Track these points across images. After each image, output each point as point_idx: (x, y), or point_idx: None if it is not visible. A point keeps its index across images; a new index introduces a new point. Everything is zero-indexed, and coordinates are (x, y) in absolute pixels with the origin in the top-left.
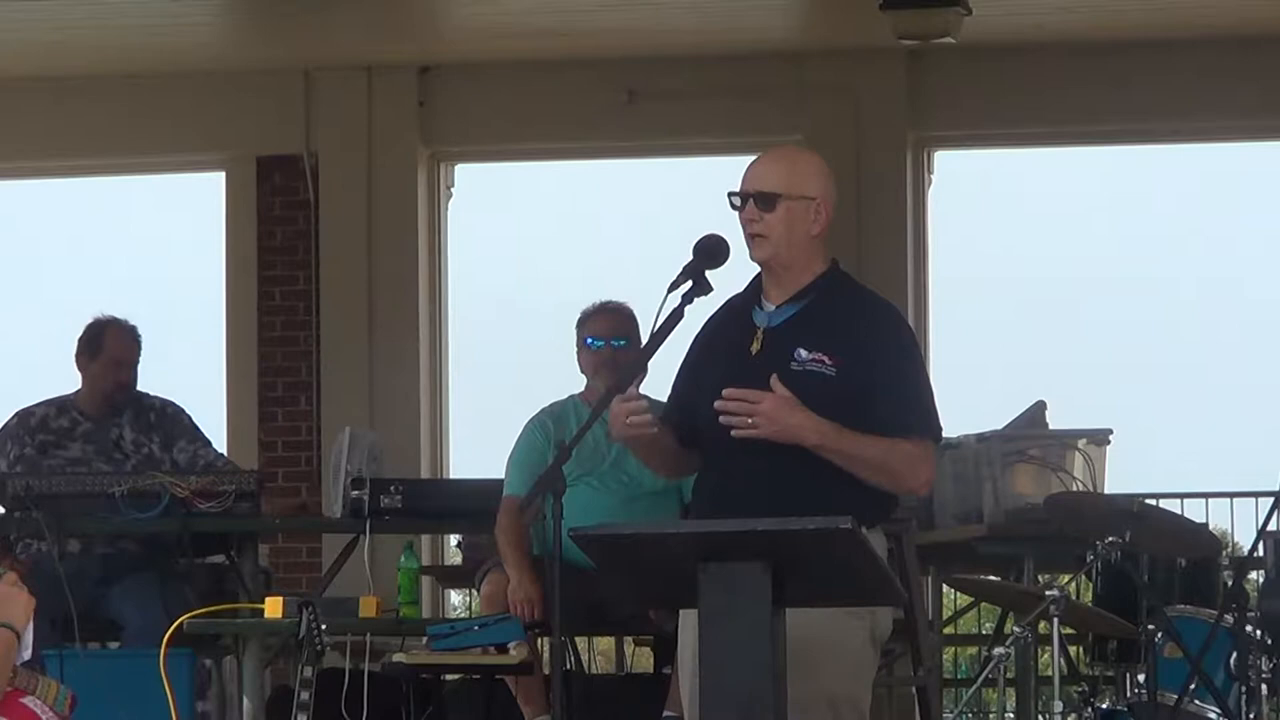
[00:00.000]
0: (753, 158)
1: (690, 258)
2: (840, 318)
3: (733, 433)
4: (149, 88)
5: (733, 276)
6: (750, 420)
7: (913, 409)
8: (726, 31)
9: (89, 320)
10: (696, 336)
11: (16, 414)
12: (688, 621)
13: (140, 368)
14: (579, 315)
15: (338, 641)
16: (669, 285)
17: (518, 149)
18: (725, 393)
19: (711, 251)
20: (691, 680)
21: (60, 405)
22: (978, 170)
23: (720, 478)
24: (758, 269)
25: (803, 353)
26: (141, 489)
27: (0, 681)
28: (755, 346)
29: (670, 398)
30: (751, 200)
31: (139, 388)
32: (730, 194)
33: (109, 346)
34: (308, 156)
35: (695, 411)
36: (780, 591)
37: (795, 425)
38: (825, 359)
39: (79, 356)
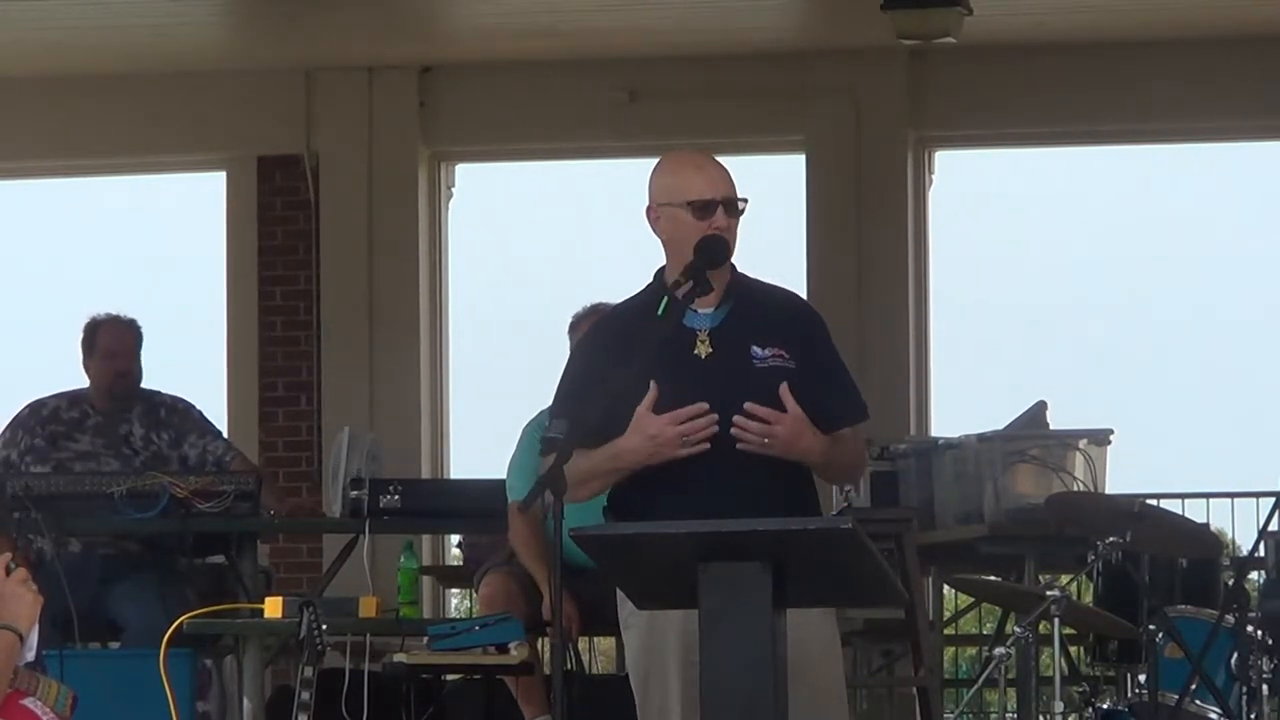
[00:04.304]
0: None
1: (691, 257)
2: (773, 314)
3: (738, 446)
4: (149, 88)
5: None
6: (765, 441)
7: (853, 397)
8: (726, 31)
9: (85, 321)
10: (589, 355)
11: (29, 405)
12: (657, 626)
13: (143, 364)
14: (570, 318)
15: (338, 641)
16: (670, 285)
17: (518, 149)
18: (747, 407)
19: (713, 251)
20: (665, 686)
21: (73, 398)
22: (978, 170)
23: (687, 482)
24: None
25: (758, 350)
26: (141, 489)
27: (1, 684)
28: (703, 349)
29: (585, 419)
30: (721, 208)
31: (150, 386)
32: (696, 202)
33: (101, 341)
34: (308, 156)
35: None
36: (780, 591)
37: (805, 448)
38: (783, 354)
39: (82, 358)
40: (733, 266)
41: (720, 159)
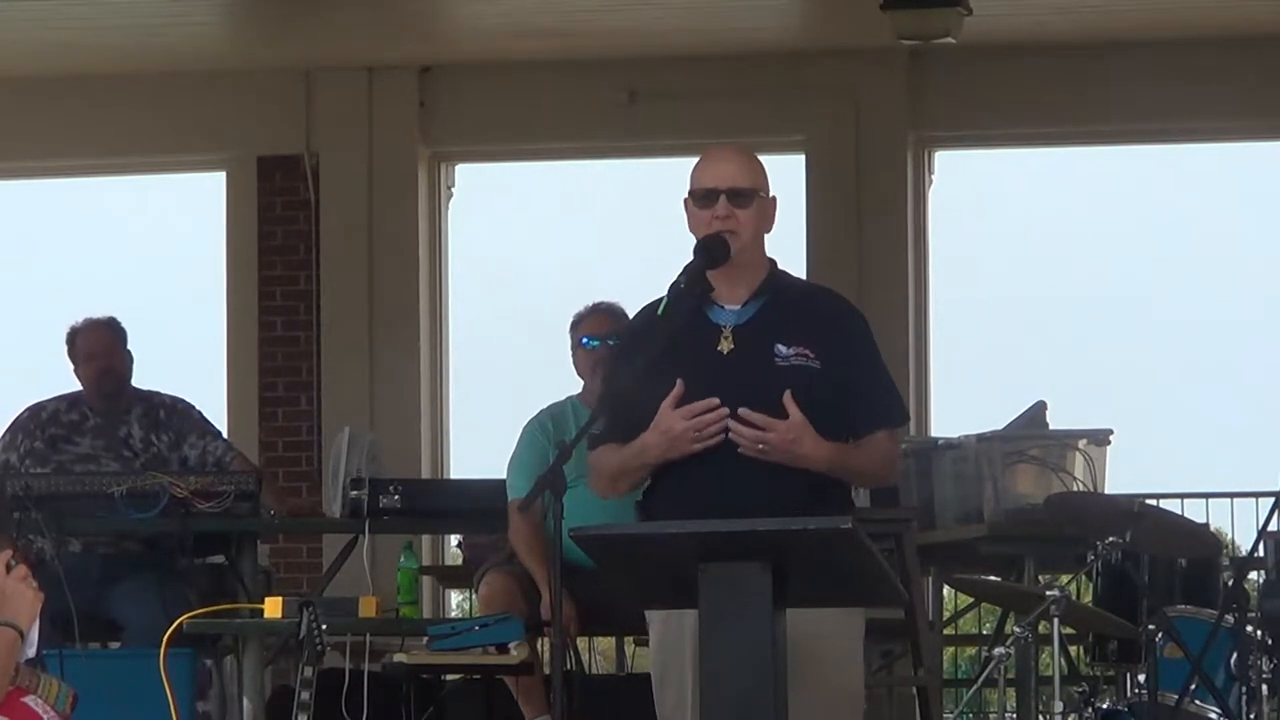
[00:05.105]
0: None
1: (691, 257)
2: (805, 312)
3: (739, 449)
4: (149, 88)
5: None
6: (760, 447)
7: (889, 399)
8: (726, 31)
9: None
10: (621, 354)
11: (28, 408)
12: (673, 624)
13: (134, 359)
14: (572, 318)
15: (338, 641)
16: (670, 285)
17: (518, 149)
18: (742, 413)
19: (713, 251)
20: (681, 683)
21: (72, 400)
22: (978, 170)
23: (703, 480)
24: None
25: (783, 348)
26: (141, 489)
27: (2, 682)
28: (726, 345)
29: (615, 413)
30: (724, 197)
31: (150, 386)
32: (697, 191)
33: (80, 346)
34: (308, 156)
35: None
36: (780, 591)
37: (803, 456)
38: (808, 353)
39: (72, 366)
40: (772, 263)
41: None
